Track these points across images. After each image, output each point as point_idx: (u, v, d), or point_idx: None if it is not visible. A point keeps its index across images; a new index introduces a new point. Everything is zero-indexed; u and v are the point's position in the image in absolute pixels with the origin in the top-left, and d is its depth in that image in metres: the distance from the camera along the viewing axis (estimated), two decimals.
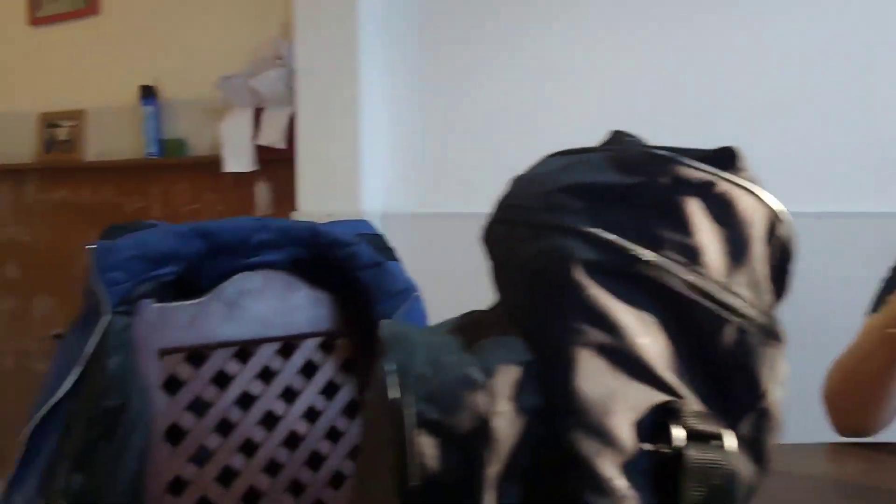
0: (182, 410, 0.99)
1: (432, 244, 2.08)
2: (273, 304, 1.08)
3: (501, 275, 0.49)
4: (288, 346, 1.10)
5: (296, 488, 1.06)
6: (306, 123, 2.16)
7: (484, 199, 2.19)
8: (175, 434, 0.98)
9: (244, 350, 1.06)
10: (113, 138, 2.65)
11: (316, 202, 2.16)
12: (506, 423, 0.39)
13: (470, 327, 0.47)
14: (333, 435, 1.11)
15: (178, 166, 2.50)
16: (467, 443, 0.39)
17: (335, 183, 2.13)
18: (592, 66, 1.90)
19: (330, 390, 1.12)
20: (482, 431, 0.39)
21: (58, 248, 2.73)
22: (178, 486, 0.97)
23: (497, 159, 2.02)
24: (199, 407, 1.01)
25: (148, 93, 2.51)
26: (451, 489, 0.38)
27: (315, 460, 1.09)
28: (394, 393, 0.39)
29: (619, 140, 0.50)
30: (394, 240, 2.13)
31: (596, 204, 0.42)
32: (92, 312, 0.91)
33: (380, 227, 2.08)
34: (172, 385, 0.99)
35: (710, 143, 0.48)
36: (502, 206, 0.50)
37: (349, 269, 1.08)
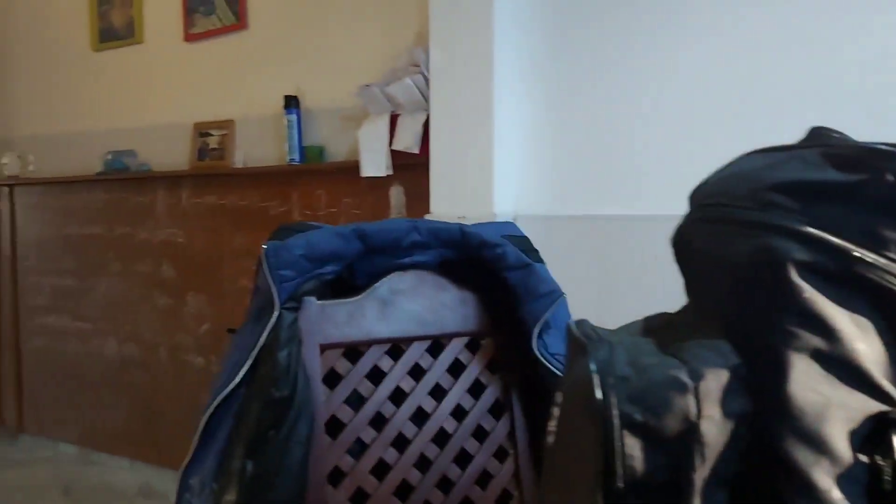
0: (340, 404, 1.03)
1: (564, 247, 2.06)
2: (423, 304, 1.11)
3: (700, 275, 0.48)
4: (437, 344, 1.12)
5: (444, 485, 1.09)
6: (440, 128, 2.20)
7: (616, 202, 2.16)
8: (333, 426, 1.03)
9: (396, 347, 1.09)
10: (258, 146, 2.81)
11: (448, 205, 2.19)
12: (714, 427, 0.38)
13: (662, 329, 0.46)
14: (479, 434, 1.13)
15: (317, 172, 2.62)
16: (674, 446, 0.38)
17: (468, 186, 2.15)
18: (733, 66, 1.83)
19: (476, 389, 1.14)
20: (690, 435, 0.38)
21: (208, 250, 2.92)
22: (336, 476, 1.02)
23: (629, 162, 1.98)
24: (354, 401, 1.05)
25: (291, 102, 2.64)
26: (657, 492, 0.38)
27: (463, 458, 1.10)
28: (598, 393, 0.39)
29: (822, 136, 0.47)
30: None
31: (811, 202, 0.40)
32: (263, 308, 0.96)
33: None
34: (332, 379, 1.04)
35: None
36: (702, 204, 0.49)
37: (496, 270, 1.09)
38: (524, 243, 1.17)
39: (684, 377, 0.38)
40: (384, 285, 1.08)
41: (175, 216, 3.04)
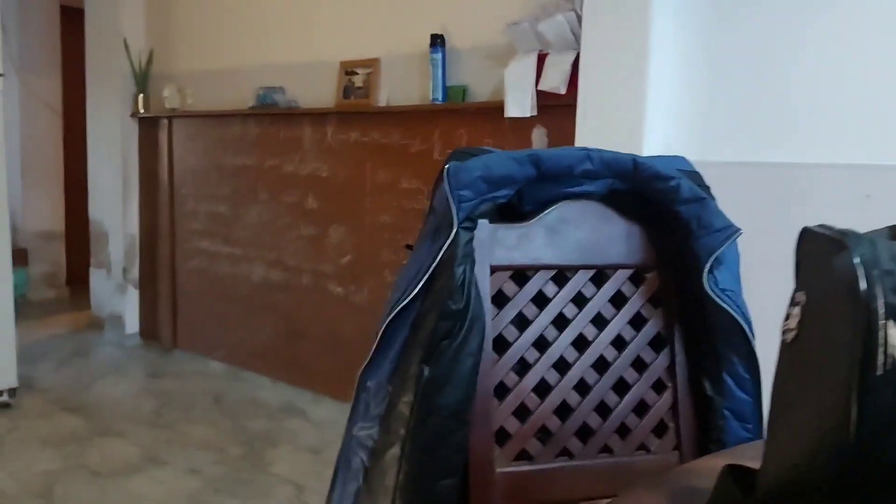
0: (507, 324, 1.07)
1: (717, 194, 2.00)
2: (589, 234, 1.12)
3: None
4: (601, 274, 1.13)
5: (603, 409, 1.11)
6: (591, 68, 2.16)
7: (773, 149, 2.06)
8: (500, 344, 1.07)
9: (561, 274, 1.11)
10: (402, 85, 2.88)
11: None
12: None
13: None
14: (639, 365, 1.14)
15: (460, 111, 2.65)
16: None
17: (616, 130, 2.11)
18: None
19: (637, 322, 1.14)
20: None
21: (350, 184, 3.05)
22: (501, 390, 1.06)
23: (788, 107, 1.87)
24: (520, 322, 1.09)
25: (437, 41, 2.67)
26: None
27: (621, 386, 1.12)
28: (863, 284, 0.39)
29: None
30: None
31: None
32: (440, 225, 1.01)
33: None
34: (499, 299, 1.08)
35: None
36: None
37: (668, 202, 1.09)
38: (696, 178, 1.15)
39: None
40: (553, 213, 1.10)
41: (320, 151, 3.17)
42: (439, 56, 2.68)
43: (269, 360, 3.43)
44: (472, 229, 1.02)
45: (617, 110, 2.12)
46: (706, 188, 1.14)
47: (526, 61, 2.38)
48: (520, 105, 2.40)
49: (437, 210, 1.03)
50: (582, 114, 2.20)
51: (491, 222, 1.07)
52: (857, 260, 0.39)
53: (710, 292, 1.05)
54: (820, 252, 0.44)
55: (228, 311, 3.61)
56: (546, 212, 1.10)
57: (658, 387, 1.14)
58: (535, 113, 2.38)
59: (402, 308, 1.01)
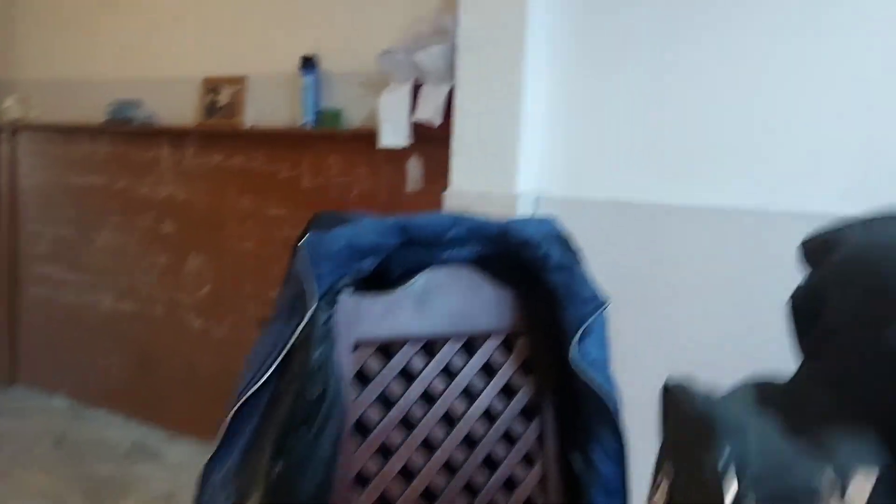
0: (371, 403, 0.99)
1: (585, 231, 2.01)
2: (459, 300, 1.06)
3: (836, 349, 0.43)
4: (471, 342, 1.08)
5: (471, 490, 1.05)
6: (466, 101, 2.13)
7: (644, 189, 2.08)
8: (362, 427, 0.98)
9: (430, 345, 1.05)
10: (271, 106, 2.73)
11: (469, 181, 2.13)
12: None
13: (783, 402, 0.42)
14: (509, 437, 1.09)
15: (331, 137, 2.54)
16: None
17: (491, 163, 2.09)
18: (764, 50, 1.75)
19: (508, 391, 1.10)
20: None
21: (211, 210, 2.85)
22: (362, 478, 0.98)
23: (660, 147, 1.91)
24: (385, 401, 1.01)
25: (308, 63, 2.55)
26: None
27: (490, 463, 1.07)
28: (730, 498, 0.34)
29: None
30: None
31: None
32: (297, 302, 0.91)
33: (533, 210, 2.06)
34: (363, 376, 0.99)
35: None
36: (848, 268, 0.43)
37: (539, 270, 1.05)
38: (566, 242, 1.12)
39: (828, 480, 0.34)
40: (421, 280, 1.03)
41: (179, 172, 2.96)
42: (311, 79, 2.56)
43: (120, 397, 3.16)
44: (332, 305, 0.93)
45: (491, 144, 2.09)
46: (575, 252, 1.11)
47: (401, 90, 2.31)
48: (394, 135, 2.33)
49: (294, 282, 0.93)
50: (457, 147, 2.17)
51: (355, 290, 0.99)
52: (724, 464, 0.35)
53: (577, 366, 1.02)
54: (687, 430, 0.39)
55: (75, 342, 3.30)
56: (414, 279, 1.03)
57: (527, 460, 1.09)
58: (410, 143, 2.32)
59: (252, 393, 0.91)
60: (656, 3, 1.92)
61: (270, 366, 0.90)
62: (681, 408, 0.41)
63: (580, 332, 1.02)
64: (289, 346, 0.90)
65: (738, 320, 1.77)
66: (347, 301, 0.96)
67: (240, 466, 0.91)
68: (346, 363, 0.96)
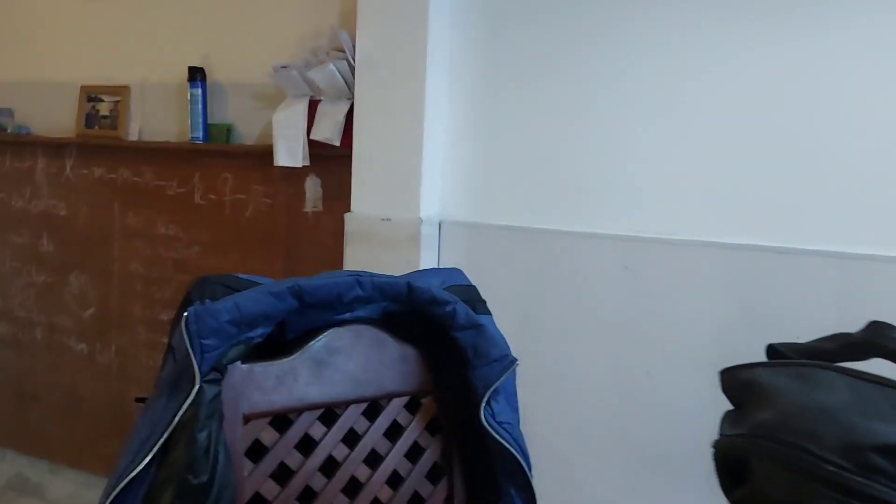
0: (265, 479, 0.92)
1: (487, 256, 2.00)
2: (362, 363, 1.00)
3: None
4: (375, 405, 1.02)
5: None
6: (365, 121, 2.05)
7: (545, 215, 2.07)
8: (258, 503, 0.91)
9: (330, 411, 0.98)
10: (158, 118, 2.55)
11: (370, 204, 2.06)
12: None
13: None
14: (418, 500, 1.04)
15: (224, 153, 2.40)
16: None
17: (393, 185, 2.03)
18: (676, 73, 1.78)
19: (414, 452, 1.05)
20: None
21: (94, 226, 2.65)
22: None
23: (561, 175, 1.91)
24: (282, 474, 0.94)
25: (196, 74, 2.40)
26: None
27: None
28: None
29: (885, 337, 0.40)
30: (448, 248, 2.06)
31: None
32: (180, 378, 0.83)
33: (436, 233, 2.02)
34: (255, 451, 0.92)
35: None
36: (778, 439, 0.41)
37: (446, 328, 1.00)
38: (471, 293, 1.08)
39: None
40: (319, 343, 0.96)
41: (58, 186, 2.74)
42: (199, 91, 2.42)
43: None
44: (219, 381, 0.85)
45: (393, 165, 2.03)
46: (481, 303, 1.08)
47: (296, 107, 2.21)
48: (291, 154, 2.22)
49: (176, 356, 0.85)
50: (357, 169, 2.10)
51: (248, 359, 0.91)
52: None
53: (486, 426, 0.98)
54: None
55: None
56: (312, 342, 0.96)
57: None
58: (307, 163, 2.22)
59: (130, 479, 0.82)
60: (556, 34, 1.92)
61: (152, 448, 0.81)
62: None
63: (489, 392, 0.98)
64: (171, 427, 0.81)
65: (633, 340, 1.81)
66: (236, 371, 0.88)
67: None
68: (237, 439, 0.89)
